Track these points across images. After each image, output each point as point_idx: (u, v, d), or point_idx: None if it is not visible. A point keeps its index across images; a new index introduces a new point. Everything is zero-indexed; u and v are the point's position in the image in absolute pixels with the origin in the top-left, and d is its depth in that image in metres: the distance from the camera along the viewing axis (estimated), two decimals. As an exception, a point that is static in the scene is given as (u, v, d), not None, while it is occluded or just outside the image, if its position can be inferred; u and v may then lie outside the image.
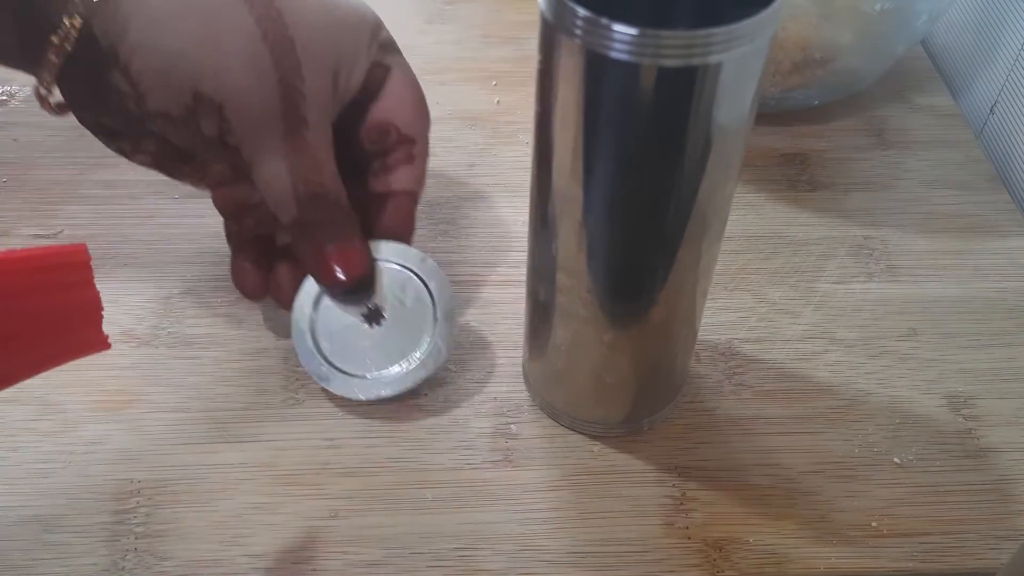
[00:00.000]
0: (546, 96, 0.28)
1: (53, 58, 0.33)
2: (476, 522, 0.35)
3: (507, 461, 0.37)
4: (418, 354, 0.38)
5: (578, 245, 0.31)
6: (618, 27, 0.25)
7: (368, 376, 0.38)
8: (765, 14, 0.25)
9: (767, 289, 0.44)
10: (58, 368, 0.39)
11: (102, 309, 0.30)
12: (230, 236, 0.40)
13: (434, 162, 0.50)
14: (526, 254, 0.35)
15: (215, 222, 0.45)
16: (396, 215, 0.40)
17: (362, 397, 0.38)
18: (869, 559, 0.35)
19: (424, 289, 0.39)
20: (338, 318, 0.38)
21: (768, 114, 0.52)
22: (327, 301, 0.38)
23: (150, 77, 0.34)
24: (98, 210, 0.46)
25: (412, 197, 0.40)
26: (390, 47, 0.40)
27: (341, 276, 0.37)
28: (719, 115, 0.27)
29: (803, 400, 0.40)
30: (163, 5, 0.33)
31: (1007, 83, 0.53)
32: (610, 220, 0.30)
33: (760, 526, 0.35)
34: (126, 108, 0.35)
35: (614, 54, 0.25)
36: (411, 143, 0.40)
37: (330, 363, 0.38)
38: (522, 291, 0.37)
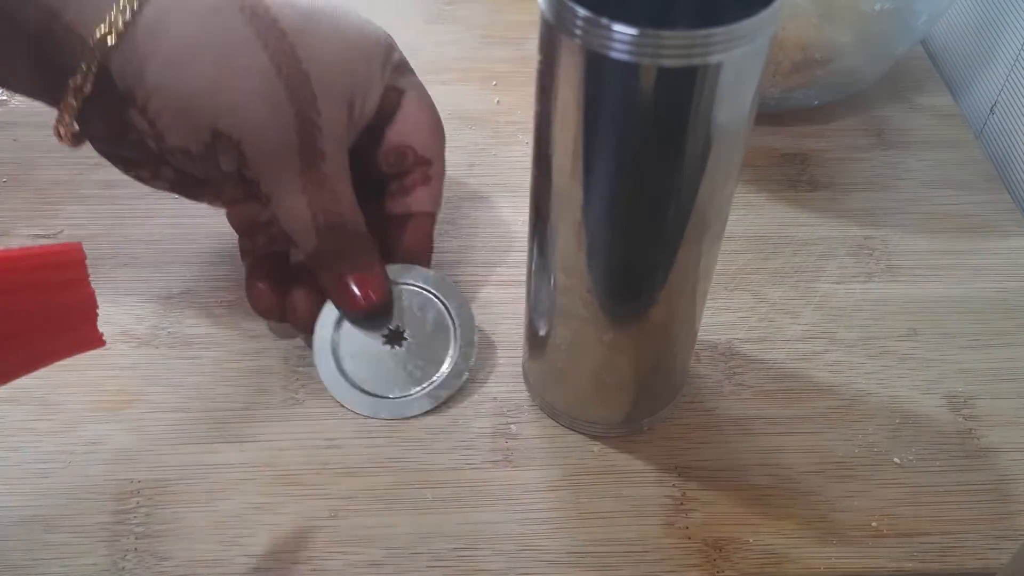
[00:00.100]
0: (546, 96, 0.28)
1: (72, 101, 0.34)
2: (476, 522, 0.35)
3: (507, 461, 0.37)
4: (440, 374, 0.39)
5: (578, 245, 0.31)
6: (618, 27, 0.25)
7: (391, 396, 0.38)
8: (765, 14, 0.25)
9: (767, 289, 0.44)
10: (58, 368, 0.40)
11: (97, 307, 0.30)
12: (245, 254, 0.41)
13: (434, 162, 0.50)
14: (526, 254, 0.35)
15: (215, 222, 0.45)
16: (414, 236, 0.41)
17: (385, 416, 0.38)
18: (869, 559, 0.35)
19: (444, 310, 0.40)
20: (360, 339, 0.39)
21: (768, 114, 0.52)
22: (349, 324, 0.39)
23: (168, 117, 0.34)
24: (98, 210, 0.46)
25: (430, 218, 0.41)
26: (403, 68, 0.40)
27: (361, 302, 0.38)
28: (719, 115, 0.27)
29: (803, 400, 0.40)
30: (178, 47, 0.33)
31: (1007, 83, 0.53)
32: (610, 220, 0.30)
33: (760, 526, 0.35)
34: (145, 144, 0.35)
35: (614, 54, 0.25)
36: (428, 164, 0.40)
37: (353, 384, 0.38)
38: (522, 291, 0.37)
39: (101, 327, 0.41)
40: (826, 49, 0.48)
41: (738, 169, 0.31)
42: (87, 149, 0.50)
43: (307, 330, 0.40)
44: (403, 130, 0.40)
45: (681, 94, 0.26)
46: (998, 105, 0.54)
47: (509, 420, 0.39)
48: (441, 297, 0.40)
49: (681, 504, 0.36)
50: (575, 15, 0.25)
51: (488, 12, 0.60)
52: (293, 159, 0.36)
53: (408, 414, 0.38)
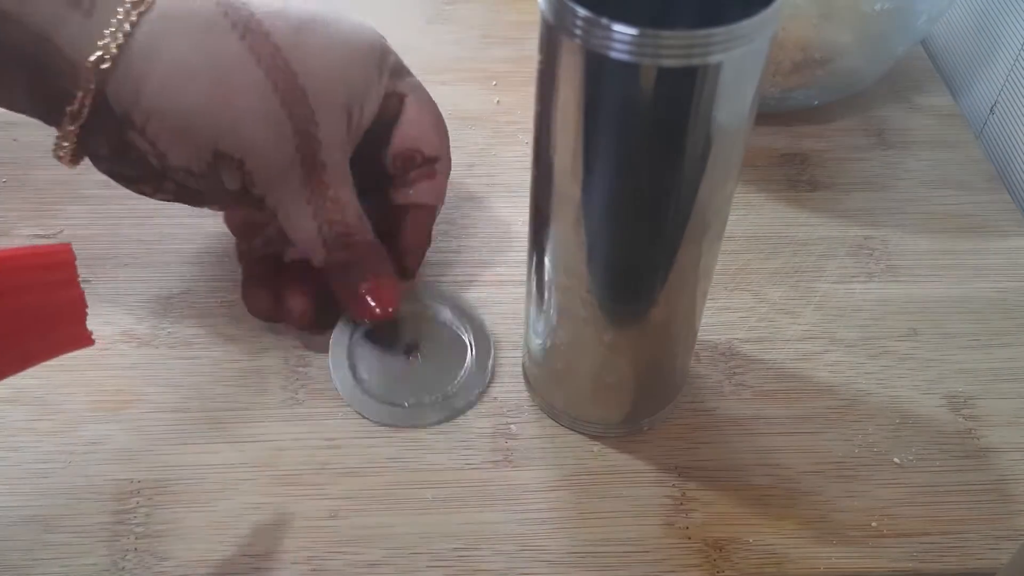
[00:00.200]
0: (546, 96, 0.28)
1: (70, 127, 0.34)
2: (476, 522, 0.35)
3: (507, 461, 0.37)
4: (455, 385, 0.39)
5: (578, 245, 0.31)
6: (618, 27, 0.25)
7: (407, 404, 0.38)
8: (765, 14, 0.25)
9: (767, 289, 0.44)
10: (58, 368, 0.40)
11: (86, 307, 0.30)
12: (241, 256, 0.41)
13: (434, 162, 0.50)
14: (526, 254, 0.35)
15: (215, 222, 0.45)
16: (414, 228, 0.41)
17: (401, 424, 0.38)
18: (869, 559, 0.35)
19: (459, 324, 0.41)
20: (377, 352, 0.40)
21: (768, 114, 0.52)
22: (364, 337, 0.40)
23: (168, 138, 0.34)
24: (98, 210, 0.46)
25: (431, 211, 0.41)
26: (400, 71, 0.40)
27: (376, 312, 0.38)
28: (719, 115, 0.27)
29: (803, 400, 0.40)
30: (173, 68, 0.33)
31: (1007, 83, 0.53)
32: (610, 220, 0.30)
33: (760, 526, 0.35)
34: (147, 163, 0.35)
35: (614, 54, 0.25)
36: (435, 161, 0.41)
37: (370, 394, 0.39)
38: (522, 291, 0.37)
39: (101, 327, 0.41)
40: (826, 49, 0.48)
41: (738, 169, 0.31)
42: (87, 149, 0.49)
43: (303, 331, 0.40)
44: (410, 134, 0.40)
45: (681, 94, 0.26)
46: (998, 105, 0.54)
47: (509, 420, 0.39)
48: (455, 311, 0.41)
49: (681, 504, 0.36)
50: (575, 15, 0.25)
51: (488, 12, 0.60)
52: (295, 173, 0.36)
53: (423, 423, 0.38)
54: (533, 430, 0.38)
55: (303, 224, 0.37)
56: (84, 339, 0.31)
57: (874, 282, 0.45)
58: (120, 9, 0.33)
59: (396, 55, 0.40)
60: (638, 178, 0.29)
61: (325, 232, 0.37)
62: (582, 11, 0.25)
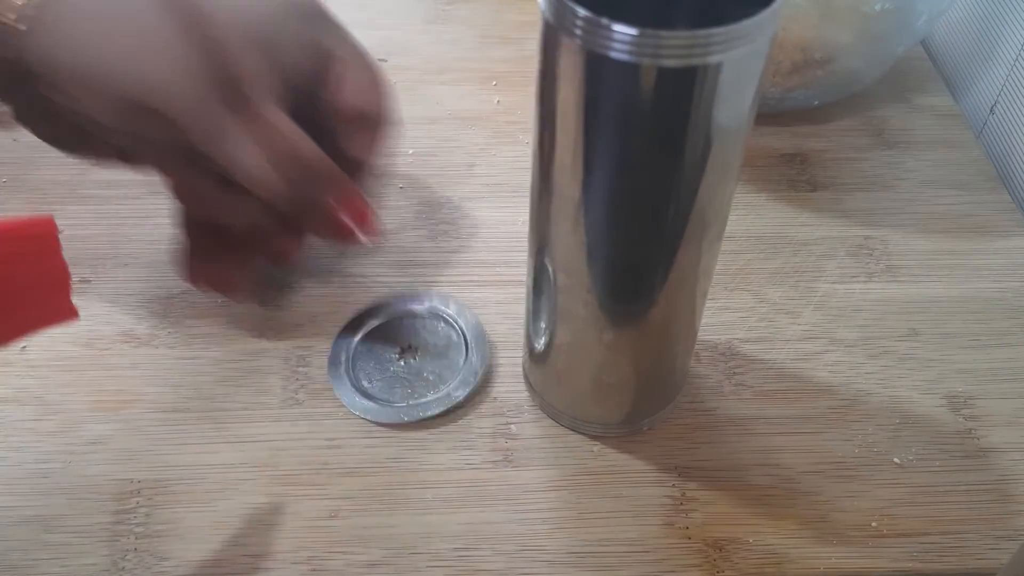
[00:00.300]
0: (546, 96, 0.28)
1: None
2: (476, 522, 0.35)
3: (507, 461, 0.37)
4: (453, 384, 0.39)
5: (578, 245, 0.31)
6: (618, 27, 0.25)
7: (405, 404, 0.39)
8: (765, 14, 0.25)
9: (767, 289, 0.44)
10: (58, 368, 0.40)
11: (70, 279, 0.30)
12: (181, 226, 0.40)
13: (434, 162, 0.50)
14: (526, 254, 0.35)
15: (215, 222, 0.45)
16: (359, 140, 0.40)
17: (406, 419, 0.38)
18: (869, 559, 0.35)
19: (453, 325, 0.41)
20: (375, 357, 0.40)
21: (768, 114, 0.52)
22: (361, 344, 0.41)
23: (90, 97, 0.34)
24: (98, 210, 0.46)
25: (375, 169, 0.40)
26: (331, 28, 0.39)
27: (351, 230, 0.38)
28: (719, 115, 0.27)
29: (803, 400, 0.40)
30: (86, 27, 0.33)
31: (1007, 83, 0.53)
32: (610, 220, 0.30)
33: (760, 526, 0.35)
34: (77, 125, 0.35)
35: (614, 54, 0.25)
36: (377, 116, 0.40)
37: (371, 397, 0.39)
38: (522, 291, 0.37)
39: (101, 327, 0.41)
40: (826, 49, 0.48)
41: (738, 169, 0.31)
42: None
43: (244, 301, 0.40)
44: (349, 96, 0.39)
45: (681, 94, 0.26)
46: (998, 105, 0.54)
47: (509, 420, 0.39)
48: (447, 315, 0.42)
49: (681, 504, 0.36)
50: (575, 15, 0.25)
51: (488, 12, 0.60)
52: (219, 111, 0.35)
53: (425, 415, 0.38)
54: (533, 430, 0.38)
55: (247, 158, 0.35)
56: (69, 312, 0.31)
57: (874, 282, 0.45)
58: None
59: (331, 16, 0.39)
60: (638, 178, 0.29)
61: (275, 162, 0.36)
62: (582, 11, 0.25)
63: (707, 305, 0.37)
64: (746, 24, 0.25)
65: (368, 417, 0.38)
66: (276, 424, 0.38)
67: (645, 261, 0.31)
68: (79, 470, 0.36)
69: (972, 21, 0.57)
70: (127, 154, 0.38)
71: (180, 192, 0.40)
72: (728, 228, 0.33)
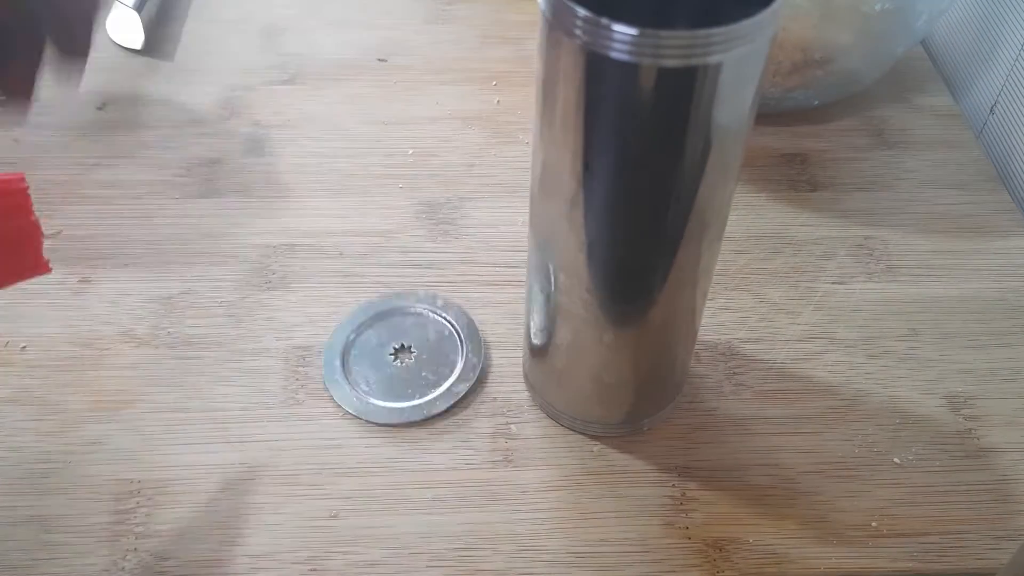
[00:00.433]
0: (546, 96, 0.28)
1: None
2: (476, 522, 0.35)
3: (507, 461, 0.37)
4: (454, 376, 0.39)
5: (578, 245, 0.31)
6: (618, 27, 0.25)
7: (403, 404, 0.39)
8: (765, 14, 0.25)
9: (767, 289, 0.44)
10: (58, 368, 0.40)
11: (42, 234, 0.31)
12: None
13: (434, 162, 0.50)
14: (526, 254, 0.35)
15: (215, 222, 0.46)
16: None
17: (406, 419, 0.38)
18: (869, 559, 0.35)
19: (445, 322, 0.42)
20: (370, 359, 0.40)
21: (768, 114, 0.52)
22: (358, 344, 0.41)
23: None
24: (98, 210, 0.46)
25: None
26: None
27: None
28: (719, 115, 0.27)
29: (803, 400, 0.40)
30: None
31: (1007, 83, 0.53)
32: (610, 220, 0.30)
33: (760, 526, 0.35)
34: None
35: (614, 54, 0.25)
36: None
37: (370, 400, 0.39)
38: (522, 291, 0.37)
39: (101, 327, 0.41)
40: (826, 49, 0.48)
41: (738, 169, 0.31)
42: (87, 150, 0.50)
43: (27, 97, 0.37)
44: None
45: (681, 94, 0.26)
46: (998, 105, 0.54)
47: (509, 420, 0.39)
48: (439, 313, 0.42)
49: (681, 504, 0.36)
50: (575, 15, 0.25)
51: (488, 12, 0.60)
52: None
53: (431, 413, 0.38)
54: (533, 430, 0.38)
55: None
56: (40, 266, 0.32)
57: (874, 282, 0.45)
58: None
59: None
60: (638, 178, 0.29)
61: None
62: (582, 11, 0.25)
63: (707, 305, 0.37)
64: (746, 24, 0.25)
65: (368, 417, 0.38)
66: (276, 424, 0.38)
67: (645, 261, 0.31)
68: (79, 470, 0.36)
69: (972, 21, 0.57)
70: None
71: None
72: (728, 228, 0.33)
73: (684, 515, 0.36)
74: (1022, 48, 0.52)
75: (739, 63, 0.26)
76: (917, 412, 0.39)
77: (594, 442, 0.38)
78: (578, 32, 0.26)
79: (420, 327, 0.42)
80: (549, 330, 0.35)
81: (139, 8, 0.55)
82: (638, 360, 0.35)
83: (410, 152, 0.50)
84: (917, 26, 0.49)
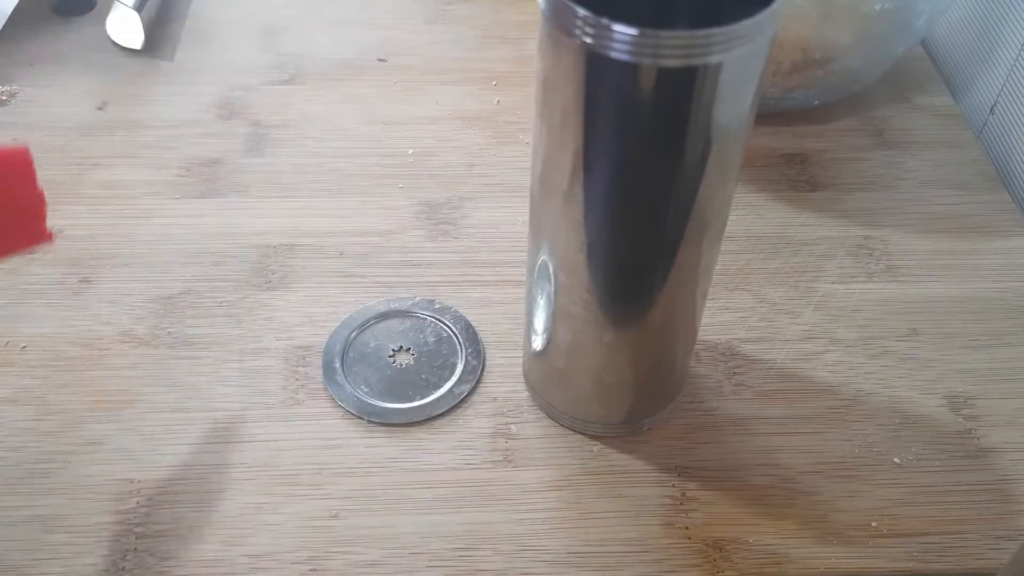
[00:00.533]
0: (546, 96, 0.28)
1: None
2: (476, 522, 0.35)
3: (507, 461, 0.37)
4: (455, 377, 0.39)
5: (578, 245, 0.31)
6: (618, 27, 0.25)
7: (402, 405, 0.39)
8: (765, 14, 0.25)
9: (767, 289, 0.44)
10: (58, 368, 0.40)
11: (46, 205, 0.32)
12: None
13: (434, 162, 0.50)
14: (526, 254, 0.35)
15: (215, 222, 0.46)
16: None
17: (406, 419, 0.38)
18: (869, 559, 0.35)
19: (444, 324, 0.42)
20: (370, 362, 0.40)
21: (768, 114, 0.52)
22: (357, 344, 0.41)
23: None
24: (98, 210, 0.46)
25: None
26: None
27: None
28: (719, 115, 0.27)
29: (803, 400, 0.40)
30: None
31: (1007, 83, 0.53)
32: (610, 220, 0.30)
33: (760, 526, 0.35)
34: None
35: (614, 54, 0.25)
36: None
37: (372, 403, 0.39)
38: (522, 291, 0.37)
39: (101, 327, 0.41)
40: (826, 49, 0.48)
41: (738, 169, 0.31)
42: (87, 150, 0.50)
43: None
44: None
45: (681, 94, 0.26)
46: (998, 105, 0.54)
47: (509, 420, 0.39)
48: (439, 312, 0.42)
49: (681, 504, 0.36)
50: (575, 15, 0.25)
51: (488, 12, 0.60)
52: None
53: (431, 414, 0.38)
54: (533, 430, 0.38)
55: None
56: (43, 235, 0.33)
57: (874, 282, 0.45)
58: None
59: None
60: (638, 178, 0.29)
61: None
62: (582, 11, 0.25)
63: (707, 305, 0.37)
64: (746, 24, 0.25)
65: (367, 417, 0.38)
66: (276, 424, 0.38)
67: (645, 261, 0.31)
68: (79, 470, 0.36)
69: (972, 21, 0.57)
70: None
71: None
72: (728, 228, 0.33)
73: (684, 515, 0.36)
74: (1022, 48, 0.52)
75: (739, 63, 0.26)
76: (917, 412, 0.39)
77: (594, 442, 0.38)
78: (578, 32, 0.26)
79: (420, 328, 0.42)
80: (549, 330, 0.35)
81: (139, 8, 0.55)
82: (638, 360, 0.35)
83: (410, 152, 0.50)
84: (917, 26, 0.49)
